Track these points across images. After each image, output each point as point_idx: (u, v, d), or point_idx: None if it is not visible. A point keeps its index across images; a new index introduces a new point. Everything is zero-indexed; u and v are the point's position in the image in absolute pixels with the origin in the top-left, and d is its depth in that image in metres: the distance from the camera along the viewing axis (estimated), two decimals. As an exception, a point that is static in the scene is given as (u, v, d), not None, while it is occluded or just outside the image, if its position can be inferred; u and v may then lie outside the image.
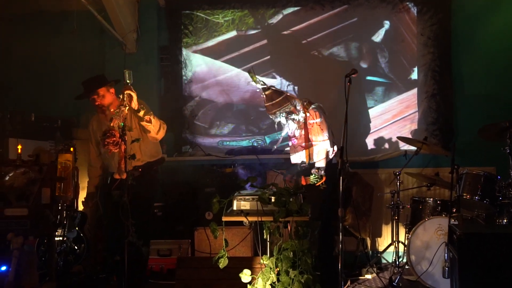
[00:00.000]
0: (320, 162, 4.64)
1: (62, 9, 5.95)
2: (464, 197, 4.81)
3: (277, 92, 4.65)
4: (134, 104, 4.07)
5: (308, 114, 4.71)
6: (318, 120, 4.69)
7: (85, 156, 5.74)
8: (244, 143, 6.19)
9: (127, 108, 3.93)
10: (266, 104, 4.67)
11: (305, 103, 4.75)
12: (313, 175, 4.58)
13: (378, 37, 6.12)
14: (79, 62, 6.10)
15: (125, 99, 3.97)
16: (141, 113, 4.23)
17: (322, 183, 4.55)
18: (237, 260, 4.05)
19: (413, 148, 5.29)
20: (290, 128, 4.76)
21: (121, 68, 5.55)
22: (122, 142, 3.86)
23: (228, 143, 6.23)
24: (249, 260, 4.11)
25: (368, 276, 5.12)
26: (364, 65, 6.10)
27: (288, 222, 3.86)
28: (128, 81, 4.00)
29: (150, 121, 4.30)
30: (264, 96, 4.65)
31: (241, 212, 3.90)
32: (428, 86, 5.98)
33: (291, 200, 3.82)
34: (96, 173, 4.83)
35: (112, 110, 4.40)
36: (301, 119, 4.71)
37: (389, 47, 6.10)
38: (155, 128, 4.36)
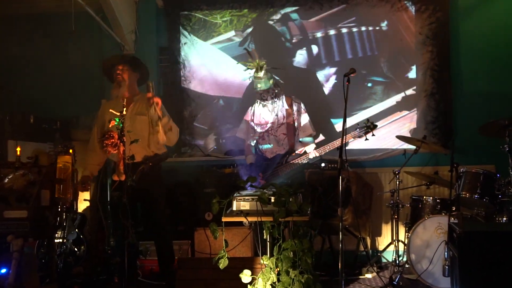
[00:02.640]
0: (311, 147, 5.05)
1: (60, 10, 5.94)
2: (464, 195, 4.81)
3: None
4: (159, 112, 4.23)
5: (295, 110, 5.10)
6: (307, 120, 5.13)
7: (84, 158, 5.75)
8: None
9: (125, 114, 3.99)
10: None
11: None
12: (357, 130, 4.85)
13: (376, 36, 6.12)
14: (78, 63, 6.10)
15: (155, 108, 4.21)
16: (164, 121, 4.29)
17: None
18: (237, 261, 4.04)
19: (412, 147, 5.29)
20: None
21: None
22: (121, 144, 3.86)
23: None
24: (249, 260, 4.11)
25: (368, 275, 5.12)
26: (362, 64, 6.10)
27: (288, 222, 3.86)
28: (151, 92, 4.18)
29: (171, 129, 4.39)
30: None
31: (241, 213, 3.90)
32: (427, 84, 5.98)
33: (290, 200, 3.82)
34: (96, 160, 4.63)
35: (127, 95, 4.51)
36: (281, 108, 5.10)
37: (387, 46, 6.09)
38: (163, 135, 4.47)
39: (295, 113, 5.14)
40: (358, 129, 4.83)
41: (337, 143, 4.76)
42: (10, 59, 6.11)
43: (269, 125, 5.12)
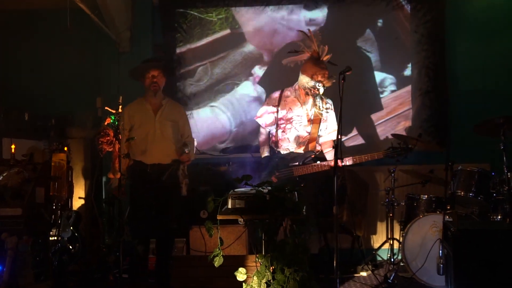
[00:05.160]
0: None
1: (55, 7, 5.91)
2: (459, 193, 4.83)
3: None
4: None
5: (324, 109, 4.90)
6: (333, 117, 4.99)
7: (79, 155, 5.74)
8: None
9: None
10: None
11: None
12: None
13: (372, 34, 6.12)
14: (72, 60, 6.07)
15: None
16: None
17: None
18: (232, 259, 4.03)
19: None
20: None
21: (115, 67, 5.56)
22: (116, 141, 3.86)
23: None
24: (244, 258, 4.10)
25: (363, 274, 5.13)
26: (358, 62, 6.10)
27: (283, 220, 3.86)
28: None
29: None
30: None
31: (236, 211, 3.89)
32: (422, 83, 5.99)
33: (286, 198, 3.81)
34: (125, 161, 4.56)
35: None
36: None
37: (382, 44, 6.10)
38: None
39: (324, 111, 4.91)
40: (391, 149, 4.73)
41: (376, 155, 4.66)
42: (4, 56, 6.08)
43: (296, 117, 4.90)
